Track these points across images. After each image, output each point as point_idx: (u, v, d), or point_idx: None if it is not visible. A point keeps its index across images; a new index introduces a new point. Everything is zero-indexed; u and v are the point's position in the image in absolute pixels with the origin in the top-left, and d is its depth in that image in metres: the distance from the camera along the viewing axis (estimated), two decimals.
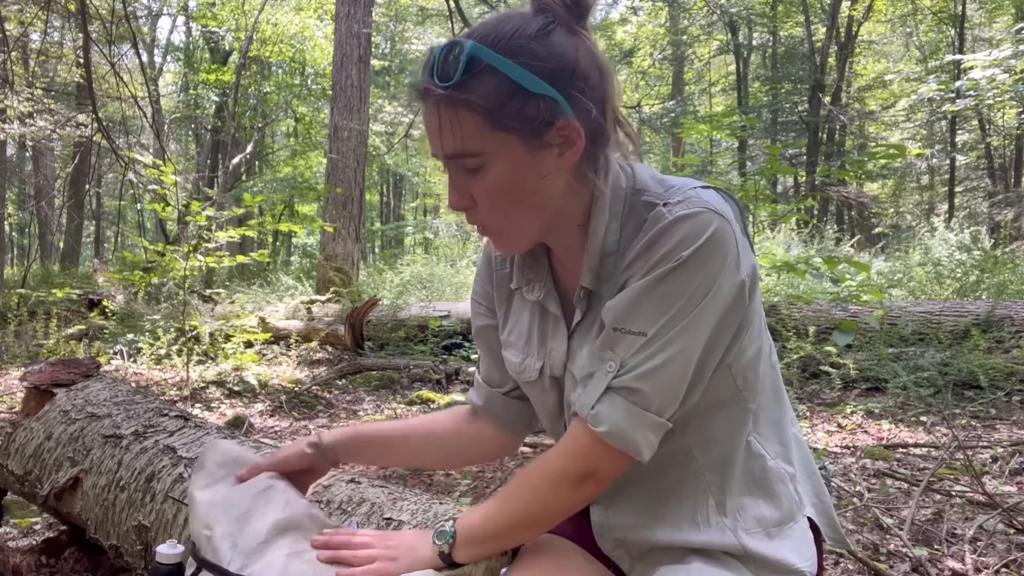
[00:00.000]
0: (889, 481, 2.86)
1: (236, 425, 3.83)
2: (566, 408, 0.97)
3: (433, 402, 4.60)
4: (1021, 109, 12.72)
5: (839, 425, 3.92)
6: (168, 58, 22.27)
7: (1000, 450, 3.25)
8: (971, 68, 8.68)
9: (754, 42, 19.74)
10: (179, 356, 5.54)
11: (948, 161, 17.17)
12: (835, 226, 14.09)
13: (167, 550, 1.06)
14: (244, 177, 17.49)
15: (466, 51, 0.79)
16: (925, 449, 3.37)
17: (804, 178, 15.18)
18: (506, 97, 0.80)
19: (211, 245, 5.13)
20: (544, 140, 0.83)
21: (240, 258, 6.17)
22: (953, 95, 10.10)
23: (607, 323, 0.87)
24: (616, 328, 0.85)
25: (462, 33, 0.86)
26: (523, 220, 0.88)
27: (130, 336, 6.26)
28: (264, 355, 6.00)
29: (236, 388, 4.94)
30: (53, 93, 12.91)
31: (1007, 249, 8.87)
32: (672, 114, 17.02)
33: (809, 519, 0.98)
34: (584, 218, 0.91)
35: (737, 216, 0.88)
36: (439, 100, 0.81)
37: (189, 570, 1.02)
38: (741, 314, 0.87)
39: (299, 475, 1.14)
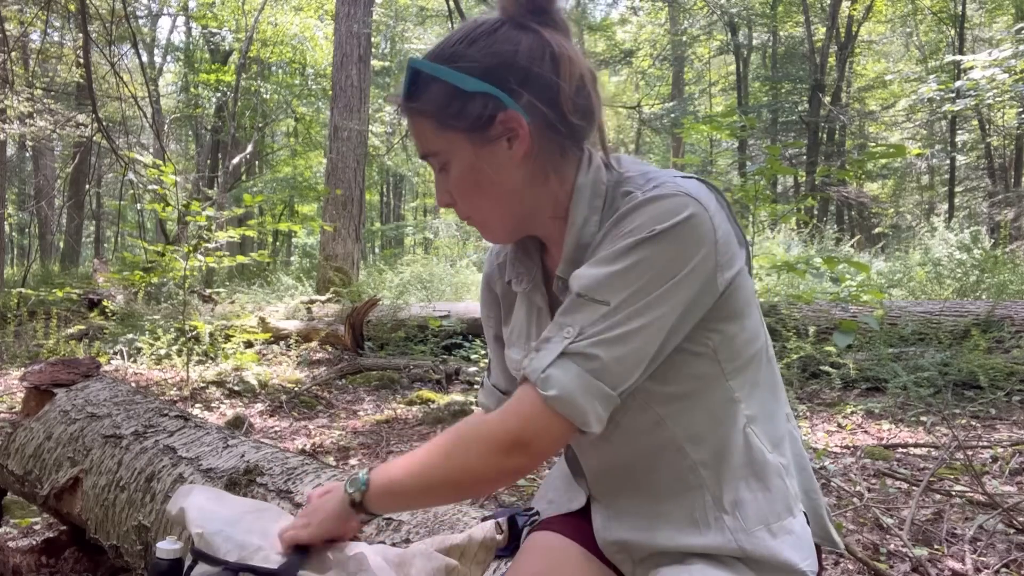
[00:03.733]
0: (889, 481, 2.86)
1: (236, 425, 3.83)
2: None
3: (433, 402, 4.60)
4: (1021, 109, 12.71)
5: (839, 425, 3.92)
6: (168, 58, 22.27)
7: (1000, 450, 3.25)
8: (971, 68, 8.68)
9: (754, 42, 19.74)
10: (179, 356, 5.55)
11: (948, 161, 17.17)
12: (835, 226, 14.08)
13: (167, 546, 1.09)
14: (244, 177, 17.49)
15: (410, 67, 0.89)
16: (925, 449, 3.37)
17: (804, 178, 15.17)
18: (447, 100, 0.87)
19: (211, 245, 5.13)
20: (489, 135, 0.88)
21: (240, 258, 6.17)
22: (953, 95, 10.10)
23: (573, 289, 0.86)
24: (580, 294, 0.84)
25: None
26: (491, 211, 0.94)
27: (130, 336, 6.26)
28: (264, 355, 6.00)
29: (236, 388, 4.94)
30: (53, 93, 12.89)
31: (1007, 249, 8.87)
32: (672, 114, 17.01)
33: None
34: (559, 210, 0.93)
35: (722, 206, 0.88)
36: (405, 111, 0.92)
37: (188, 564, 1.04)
38: (711, 303, 0.86)
39: None
